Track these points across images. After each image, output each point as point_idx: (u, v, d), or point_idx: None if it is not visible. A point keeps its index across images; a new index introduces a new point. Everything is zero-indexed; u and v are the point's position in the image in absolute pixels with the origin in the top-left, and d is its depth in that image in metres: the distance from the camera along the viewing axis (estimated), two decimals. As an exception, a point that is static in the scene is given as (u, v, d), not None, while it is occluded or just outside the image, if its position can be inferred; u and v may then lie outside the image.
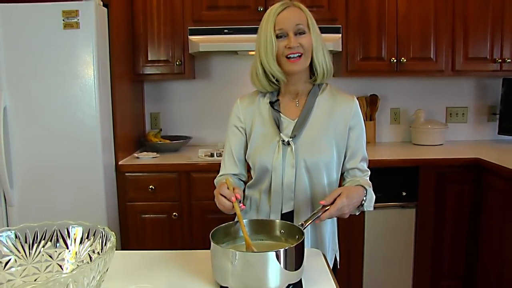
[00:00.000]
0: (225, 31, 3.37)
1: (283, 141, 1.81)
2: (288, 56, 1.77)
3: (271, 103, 1.90)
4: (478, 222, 3.28)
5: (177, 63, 3.54)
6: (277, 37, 1.78)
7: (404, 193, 3.28)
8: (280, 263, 1.31)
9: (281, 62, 1.80)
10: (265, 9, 3.36)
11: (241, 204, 1.62)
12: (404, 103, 4.09)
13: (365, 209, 1.80)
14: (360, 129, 1.90)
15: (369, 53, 3.58)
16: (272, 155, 1.82)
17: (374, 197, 1.84)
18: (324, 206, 1.59)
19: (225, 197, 1.61)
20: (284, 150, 1.81)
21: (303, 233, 1.45)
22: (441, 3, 3.54)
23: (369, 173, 1.95)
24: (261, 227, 1.60)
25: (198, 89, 4.01)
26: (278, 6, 1.80)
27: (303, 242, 1.39)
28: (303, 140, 1.83)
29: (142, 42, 3.54)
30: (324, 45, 1.85)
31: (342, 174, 1.96)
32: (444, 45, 3.58)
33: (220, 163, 2.03)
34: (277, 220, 1.62)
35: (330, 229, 1.94)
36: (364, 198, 1.76)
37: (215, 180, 2.01)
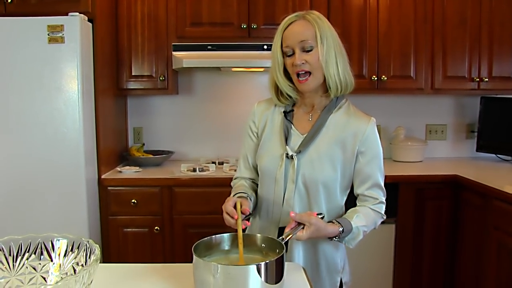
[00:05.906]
0: (209, 47, 3.39)
1: (287, 154, 1.80)
2: (298, 74, 1.75)
3: (285, 113, 1.89)
4: (456, 237, 3.34)
5: (161, 78, 3.56)
6: (286, 54, 1.77)
7: (384, 209, 3.32)
8: (261, 277, 1.33)
9: (294, 79, 1.79)
10: (248, 26, 3.45)
11: (246, 221, 1.62)
12: (384, 120, 4.14)
13: (343, 243, 1.78)
14: (373, 155, 1.81)
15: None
16: (275, 167, 1.81)
17: (361, 237, 1.77)
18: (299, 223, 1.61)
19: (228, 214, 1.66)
20: (287, 164, 1.80)
21: (283, 247, 1.46)
22: (420, 23, 3.61)
23: (382, 204, 1.85)
24: (243, 242, 1.60)
25: (181, 104, 4.02)
26: (287, 19, 1.78)
27: (283, 256, 1.41)
28: (306, 156, 1.79)
29: (126, 57, 3.55)
30: (341, 56, 1.79)
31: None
32: (424, 64, 3.65)
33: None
34: (258, 235, 1.62)
35: (323, 250, 1.88)
36: (335, 238, 1.70)
37: (231, 183, 2.02)
